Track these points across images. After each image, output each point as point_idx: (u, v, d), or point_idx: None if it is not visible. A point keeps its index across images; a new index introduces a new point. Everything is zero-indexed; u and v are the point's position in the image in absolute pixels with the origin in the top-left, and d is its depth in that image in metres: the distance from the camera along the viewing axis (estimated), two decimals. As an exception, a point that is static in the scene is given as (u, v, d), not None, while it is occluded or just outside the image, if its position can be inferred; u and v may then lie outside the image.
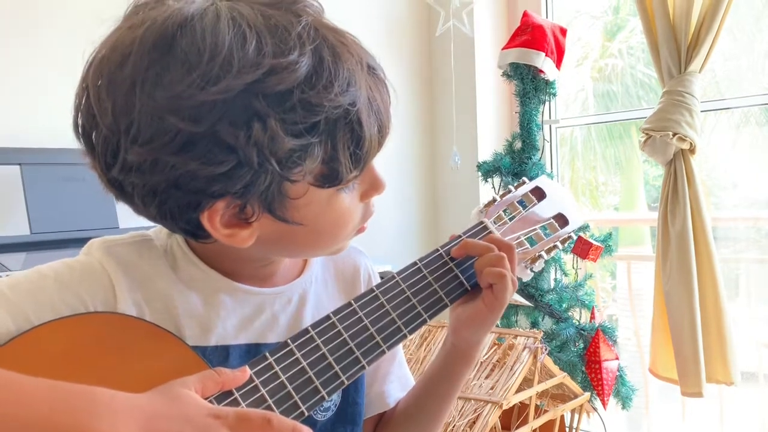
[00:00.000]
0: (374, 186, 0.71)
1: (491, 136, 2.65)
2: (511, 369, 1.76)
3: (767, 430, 2.64)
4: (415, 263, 0.76)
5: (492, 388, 1.73)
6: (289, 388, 0.65)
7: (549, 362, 1.88)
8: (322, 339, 0.68)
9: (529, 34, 2.27)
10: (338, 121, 0.62)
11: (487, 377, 1.78)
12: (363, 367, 0.69)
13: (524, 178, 0.89)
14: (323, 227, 0.68)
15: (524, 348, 1.80)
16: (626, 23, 4.05)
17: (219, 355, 0.71)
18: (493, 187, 2.36)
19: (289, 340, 0.67)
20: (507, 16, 2.71)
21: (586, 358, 2.17)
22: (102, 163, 0.63)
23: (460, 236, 0.79)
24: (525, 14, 2.34)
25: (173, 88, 0.58)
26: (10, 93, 1.70)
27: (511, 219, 0.83)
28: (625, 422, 2.73)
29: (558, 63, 2.30)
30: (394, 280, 0.74)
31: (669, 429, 2.75)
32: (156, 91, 0.58)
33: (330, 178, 0.64)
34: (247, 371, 0.63)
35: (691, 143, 2.03)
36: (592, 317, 2.25)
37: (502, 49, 2.35)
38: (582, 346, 2.20)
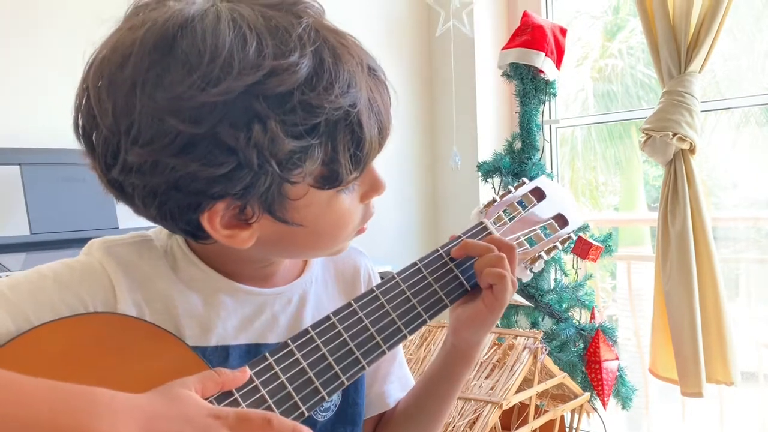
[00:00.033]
0: (374, 187, 0.71)
1: (491, 137, 2.66)
2: (511, 369, 1.76)
3: (767, 430, 2.64)
4: (415, 264, 0.76)
5: (492, 389, 1.73)
6: (290, 388, 0.65)
7: (549, 362, 1.88)
8: (322, 339, 0.68)
9: (529, 34, 2.27)
10: (338, 122, 0.62)
11: (487, 377, 1.78)
12: (363, 368, 0.69)
13: (524, 179, 0.89)
14: (323, 228, 0.68)
15: (524, 348, 1.80)
16: (626, 23, 4.05)
17: (219, 356, 0.71)
18: (493, 188, 2.36)
19: (289, 341, 0.67)
20: (507, 16, 2.72)
21: (586, 359, 2.17)
22: (102, 164, 0.63)
23: (460, 237, 0.79)
24: (525, 14, 2.34)
25: (174, 89, 0.58)
26: (10, 93, 1.70)
27: (510, 219, 0.83)
28: (625, 422, 2.73)
29: (558, 63, 2.31)
30: (394, 281, 0.74)
31: (669, 429, 2.75)
32: (156, 92, 0.58)
33: (330, 179, 0.64)
34: (247, 372, 0.63)
35: (691, 143, 2.03)
36: (592, 317, 2.25)
37: (502, 49, 2.35)
38: (582, 346, 2.20)
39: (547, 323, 2.32)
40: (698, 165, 2.10)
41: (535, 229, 0.84)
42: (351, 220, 0.70)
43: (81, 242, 0.73)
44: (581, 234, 2.18)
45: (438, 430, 0.86)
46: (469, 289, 0.77)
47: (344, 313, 0.70)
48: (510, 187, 0.87)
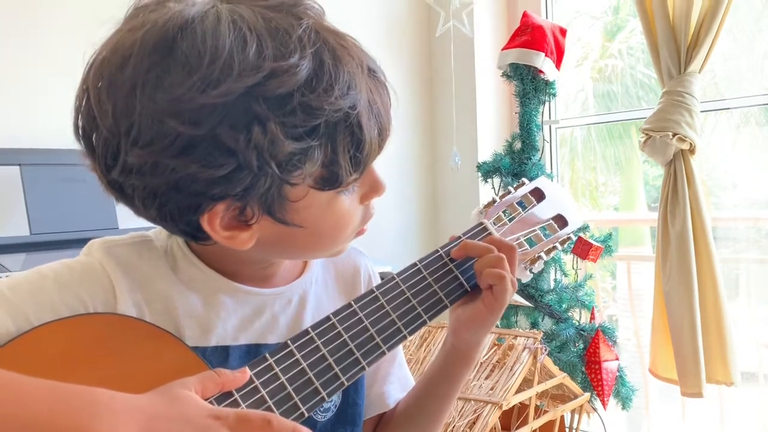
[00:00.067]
0: (374, 188, 0.71)
1: (491, 137, 2.66)
2: (510, 369, 1.76)
3: (767, 431, 2.64)
4: (415, 264, 0.76)
5: (492, 389, 1.73)
6: (289, 389, 0.65)
7: (549, 363, 1.88)
8: (322, 340, 0.68)
9: (529, 34, 2.27)
10: (338, 124, 0.62)
11: (486, 378, 1.78)
12: (363, 368, 0.69)
13: (524, 179, 0.89)
14: (323, 230, 0.68)
15: (524, 348, 1.80)
16: (626, 24, 4.05)
17: (219, 356, 0.71)
18: (493, 188, 2.36)
19: (289, 341, 0.67)
20: (507, 17, 2.72)
21: (586, 359, 2.17)
22: (102, 165, 0.63)
23: (459, 237, 0.79)
24: (525, 15, 2.34)
25: (173, 90, 0.58)
26: (10, 93, 1.70)
27: (510, 220, 0.83)
28: (625, 422, 2.73)
29: (558, 63, 2.31)
30: (394, 281, 0.74)
31: (669, 429, 2.75)
32: (156, 93, 0.58)
33: (330, 181, 0.64)
34: (247, 372, 0.63)
35: (690, 143, 2.03)
36: (592, 317, 2.25)
37: (502, 49, 2.35)
38: (582, 346, 2.20)
39: (547, 323, 2.32)
40: (698, 165, 2.10)
41: (534, 230, 0.84)
42: (351, 222, 0.70)
43: (81, 243, 0.73)
44: (581, 234, 2.18)
45: (438, 431, 0.87)
46: (469, 289, 0.77)
47: (344, 313, 0.70)
48: (510, 187, 0.87)
